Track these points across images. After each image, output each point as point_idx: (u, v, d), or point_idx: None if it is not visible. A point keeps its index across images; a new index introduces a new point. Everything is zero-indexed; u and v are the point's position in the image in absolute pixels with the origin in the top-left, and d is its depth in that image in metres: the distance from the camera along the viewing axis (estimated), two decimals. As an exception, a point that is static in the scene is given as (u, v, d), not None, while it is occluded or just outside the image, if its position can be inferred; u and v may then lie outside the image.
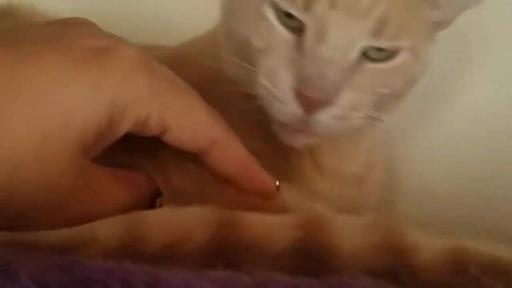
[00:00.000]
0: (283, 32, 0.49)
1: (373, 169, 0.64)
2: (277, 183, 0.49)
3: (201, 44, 0.61)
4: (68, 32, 0.42)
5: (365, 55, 0.50)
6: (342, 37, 0.48)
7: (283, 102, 0.48)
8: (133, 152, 0.47)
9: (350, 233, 0.40)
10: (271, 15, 0.50)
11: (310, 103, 0.47)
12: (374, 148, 0.64)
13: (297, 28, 0.49)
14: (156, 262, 0.35)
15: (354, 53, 0.49)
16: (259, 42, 0.50)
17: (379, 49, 0.50)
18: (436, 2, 0.52)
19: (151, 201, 0.46)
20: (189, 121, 0.45)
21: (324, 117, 0.48)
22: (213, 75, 0.54)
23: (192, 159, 0.47)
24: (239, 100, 0.53)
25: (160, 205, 0.46)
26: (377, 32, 0.48)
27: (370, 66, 0.50)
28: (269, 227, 0.40)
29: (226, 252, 0.38)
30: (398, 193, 0.73)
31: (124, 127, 0.42)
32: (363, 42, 0.49)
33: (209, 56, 0.55)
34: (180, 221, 0.40)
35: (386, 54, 0.50)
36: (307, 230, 0.40)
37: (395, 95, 0.53)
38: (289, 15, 0.49)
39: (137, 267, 0.33)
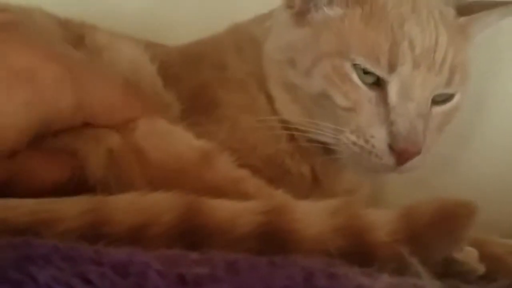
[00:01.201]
0: (366, 91, 0.54)
1: None
2: None
3: None
4: None
5: (432, 101, 0.56)
6: (425, 92, 0.54)
7: (378, 157, 0.54)
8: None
9: (312, 218, 0.40)
10: (355, 76, 0.54)
11: (404, 156, 0.53)
12: None
13: (373, 82, 0.54)
14: (121, 244, 0.36)
15: (430, 103, 0.55)
16: (345, 102, 0.54)
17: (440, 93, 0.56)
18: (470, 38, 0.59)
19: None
20: (103, 101, 0.47)
21: (414, 164, 0.54)
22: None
23: None
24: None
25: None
26: (449, 81, 0.55)
27: (437, 109, 0.56)
28: (234, 212, 0.40)
29: (191, 235, 0.39)
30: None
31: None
32: (438, 92, 0.55)
33: None
34: (147, 205, 0.40)
35: (446, 96, 0.57)
36: (270, 216, 0.40)
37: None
38: (366, 72, 0.54)
39: (83, 245, 0.34)
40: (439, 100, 0.57)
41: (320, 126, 0.56)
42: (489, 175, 0.73)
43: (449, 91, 0.56)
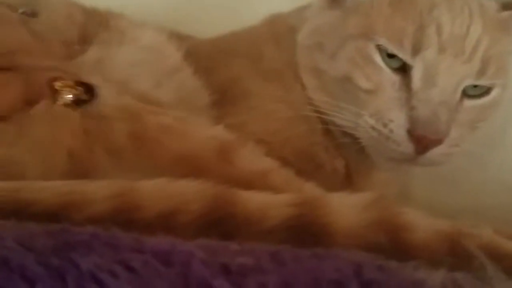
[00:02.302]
0: (389, 74, 0.53)
1: None
2: None
3: None
4: None
5: (464, 93, 0.53)
6: (451, 79, 0.51)
7: (396, 142, 0.51)
8: None
9: (346, 211, 0.39)
10: (378, 58, 0.53)
11: (424, 144, 0.51)
12: None
13: (399, 67, 0.53)
14: (149, 231, 0.35)
15: (459, 93, 0.52)
16: (366, 83, 0.53)
17: (475, 86, 0.53)
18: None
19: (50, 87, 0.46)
20: None
21: (434, 155, 0.52)
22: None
23: None
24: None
25: (62, 88, 0.46)
26: (481, 72, 0.53)
27: (469, 103, 0.54)
28: (264, 204, 0.39)
29: (220, 225, 0.38)
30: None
31: None
32: (468, 82, 0.53)
33: None
34: (176, 192, 0.39)
35: (482, 90, 0.54)
36: (302, 208, 0.39)
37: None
38: (391, 55, 0.52)
39: (123, 233, 0.33)
40: (474, 94, 0.54)
41: (342, 110, 0.54)
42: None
43: (482, 82, 0.54)
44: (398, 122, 0.51)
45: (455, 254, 0.36)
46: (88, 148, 0.44)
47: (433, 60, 0.51)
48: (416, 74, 0.51)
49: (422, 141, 0.50)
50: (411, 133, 0.51)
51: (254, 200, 0.40)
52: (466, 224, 0.40)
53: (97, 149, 0.44)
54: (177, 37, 0.62)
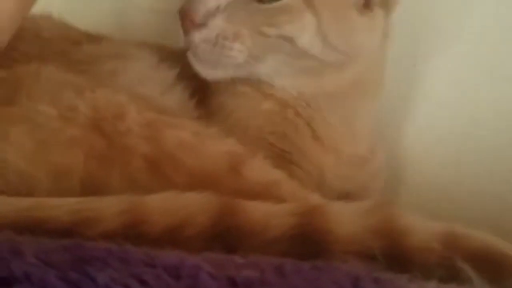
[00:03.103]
0: None
1: (376, 153, 0.65)
2: None
3: None
4: None
5: None
6: None
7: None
8: None
9: (346, 219, 0.41)
10: None
11: (184, 24, 0.53)
12: (375, 134, 0.65)
13: None
14: (157, 244, 0.37)
15: None
16: None
17: None
18: None
19: None
20: None
21: (197, 38, 0.53)
22: None
23: None
24: None
25: None
26: None
27: (254, 4, 0.53)
28: (268, 214, 0.41)
29: (225, 237, 0.40)
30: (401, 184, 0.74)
31: None
32: None
33: None
34: (182, 205, 0.41)
35: None
36: (304, 217, 0.41)
37: (295, 51, 0.55)
38: None
39: (135, 248, 0.35)
40: None
41: None
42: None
43: None
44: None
45: (449, 255, 0.38)
46: (104, 172, 0.46)
47: None
48: None
49: (184, 19, 0.53)
50: (180, 13, 0.54)
51: (257, 210, 0.42)
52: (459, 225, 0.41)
53: (113, 173, 0.46)
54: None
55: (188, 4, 0.53)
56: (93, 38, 0.62)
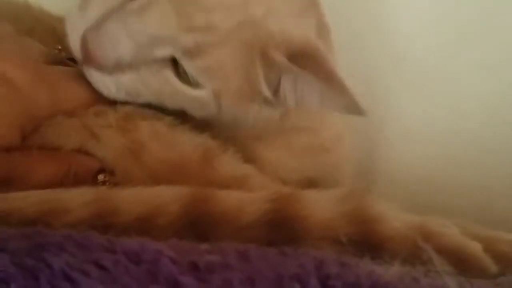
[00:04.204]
0: None
1: (342, 141, 0.63)
2: None
3: None
4: None
5: None
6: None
7: None
8: None
9: (320, 205, 0.41)
10: None
11: (87, 58, 0.48)
12: (341, 122, 0.64)
13: None
14: (128, 234, 0.36)
15: None
16: None
17: None
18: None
19: (93, 178, 0.48)
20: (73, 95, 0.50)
21: (96, 76, 0.49)
22: None
23: None
24: None
25: (104, 182, 0.48)
26: None
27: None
28: (241, 201, 0.41)
29: (198, 225, 0.39)
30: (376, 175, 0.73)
31: None
32: None
33: None
34: (153, 195, 0.41)
35: None
36: (278, 203, 0.40)
37: None
38: None
39: (97, 234, 0.35)
40: None
41: None
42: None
43: None
44: None
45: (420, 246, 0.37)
46: None
47: None
48: None
49: (83, 51, 0.47)
50: None
51: (230, 197, 0.41)
52: (435, 221, 0.41)
53: None
54: None
55: (94, 39, 0.47)
56: None
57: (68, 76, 0.50)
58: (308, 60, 0.48)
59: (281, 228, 0.39)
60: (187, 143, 0.50)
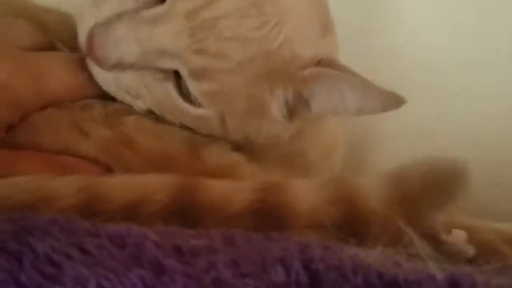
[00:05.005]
0: None
1: (330, 154, 0.63)
2: None
3: None
4: None
5: None
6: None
7: None
8: None
9: (305, 192, 0.41)
10: None
11: (90, 56, 0.48)
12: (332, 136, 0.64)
13: None
14: (116, 222, 0.36)
15: None
16: None
17: None
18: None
19: None
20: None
21: (98, 72, 0.49)
22: None
23: None
24: None
25: None
26: None
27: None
28: (229, 190, 0.41)
29: (186, 213, 0.39)
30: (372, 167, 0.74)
31: None
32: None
33: None
34: (141, 183, 0.41)
35: None
36: (266, 192, 0.41)
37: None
38: None
39: (82, 219, 0.35)
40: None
41: None
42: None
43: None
44: None
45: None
46: None
47: None
48: None
49: (88, 49, 0.48)
50: None
51: (218, 186, 0.41)
52: None
53: None
54: None
55: (99, 39, 0.47)
56: None
57: (55, 62, 0.50)
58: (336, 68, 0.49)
59: (269, 217, 0.39)
60: (174, 136, 0.50)
